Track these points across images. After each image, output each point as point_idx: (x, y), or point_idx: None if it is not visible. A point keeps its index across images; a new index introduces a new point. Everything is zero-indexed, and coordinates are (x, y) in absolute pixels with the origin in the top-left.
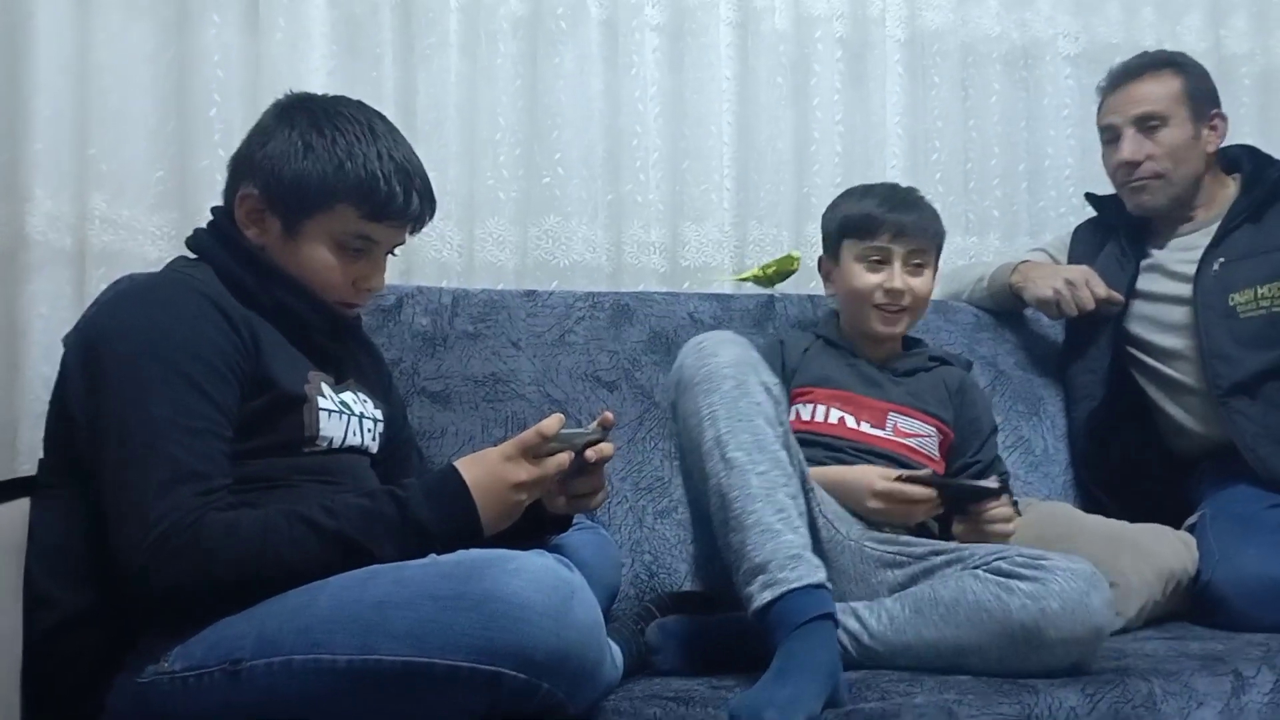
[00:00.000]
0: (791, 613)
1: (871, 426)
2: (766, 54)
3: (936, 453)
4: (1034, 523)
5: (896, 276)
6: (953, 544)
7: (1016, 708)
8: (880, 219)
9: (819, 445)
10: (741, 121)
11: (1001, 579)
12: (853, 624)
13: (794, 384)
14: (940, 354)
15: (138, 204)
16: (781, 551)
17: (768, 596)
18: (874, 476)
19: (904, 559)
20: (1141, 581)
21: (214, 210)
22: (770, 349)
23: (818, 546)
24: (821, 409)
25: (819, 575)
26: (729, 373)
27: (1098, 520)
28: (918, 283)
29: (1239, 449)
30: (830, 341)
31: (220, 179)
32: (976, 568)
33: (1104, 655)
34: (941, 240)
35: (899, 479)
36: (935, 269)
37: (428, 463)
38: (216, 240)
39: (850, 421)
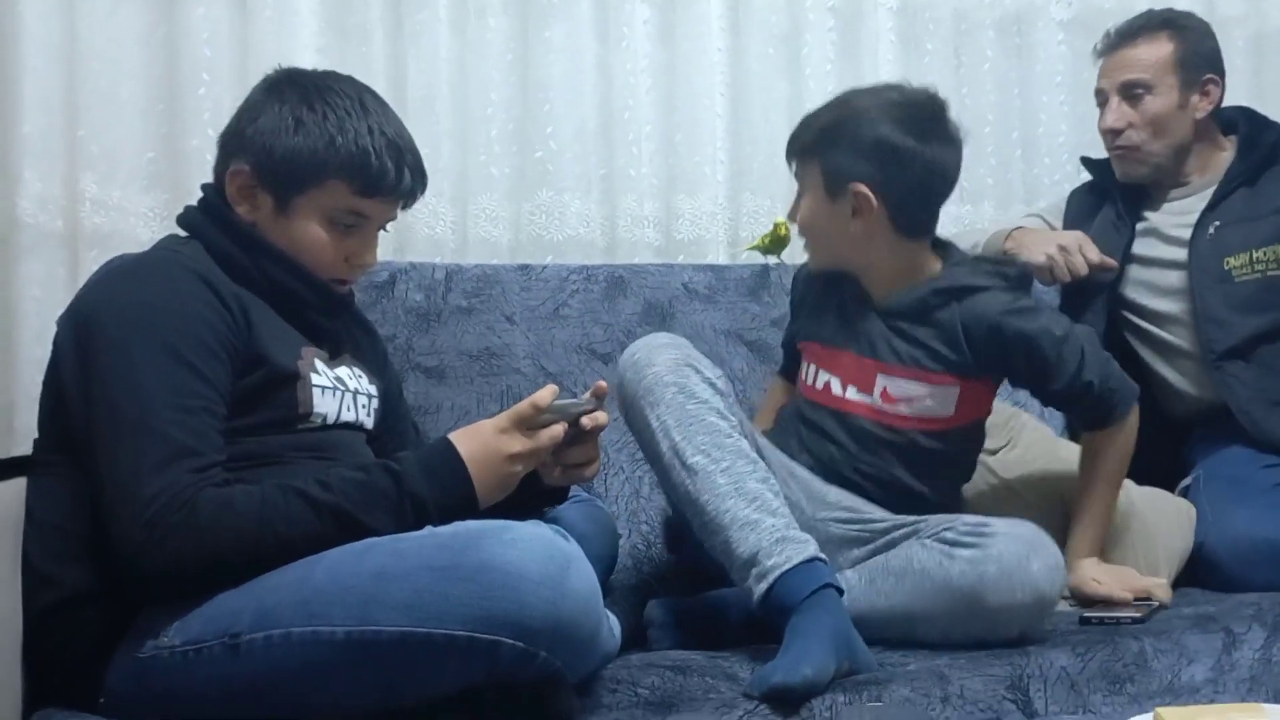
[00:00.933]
0: (790, 594)
1: (858, 391)
2: (758, 25)
3: (948, 414)
4: None
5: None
6: (911, 518)
7: (1008, 669)
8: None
9: (818, 414)
10: (734, 93)
11: (946, 547)
12: None
13: (799, 335)
14: (962, 281)
15: (129, 185)
16: (765, 539)
17: (764, 587)
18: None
19: (867, 535)
20: (1151, 572)
21: (204, 188)
22: (791, 292)
23: None
24: (812, 370)
25: (809, 550)
26: (669, 379)
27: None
28: (800, 213)
29: (1232, 412)
30: (834, 277)
31: (210, 159)
32: (927, 538)
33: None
34: (808, 153)
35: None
36: (816, 192)
37: (424, 438)
38: (207, 217)
39: (835, 387)
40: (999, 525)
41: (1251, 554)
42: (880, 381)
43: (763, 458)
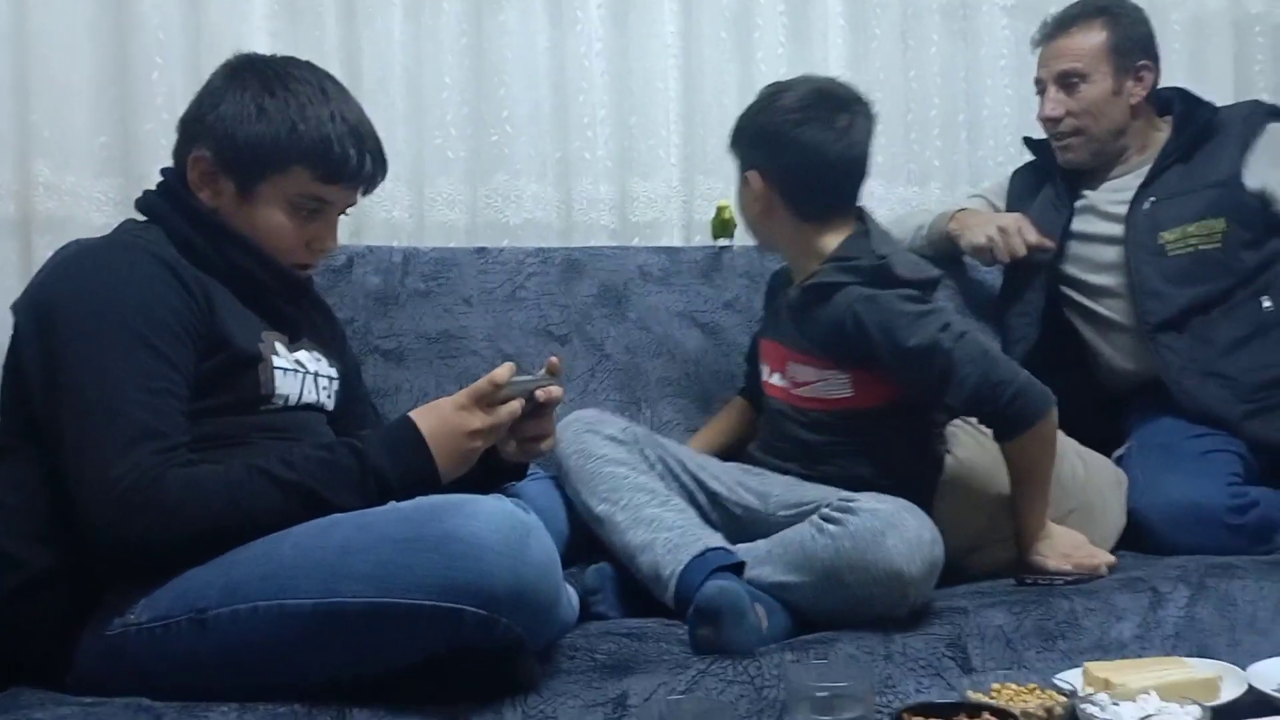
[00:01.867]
0: (689, 589)
1: (781, 377)
2: (709, 8)
3: (852, 396)
4: None
5: None
6: (834, 496)
7: (949, 628)
8: None
9: (769, 403)
10: (686, 77)
11: (820, 521)
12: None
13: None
14: (829, 279)
15: (82, 170)
16: (661, 553)
17: (670, 594)
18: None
19: (803, 517)
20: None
21: (164, 172)
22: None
23: (735, 524)
24: (761, 364)
25: (699, 545)
26: (570, 450)
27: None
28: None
29: (1165, 383)
30: (781, 279)
31: (165, 143)
32: (813, 513)
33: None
34: (730, 143)
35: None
36: (748, 181)
37: (383, 419)
38: (167, 202)
39: (766, 374)
40: (865, 501)
41: (1180, 518)
42: (789, 366)
43: (688, 472)
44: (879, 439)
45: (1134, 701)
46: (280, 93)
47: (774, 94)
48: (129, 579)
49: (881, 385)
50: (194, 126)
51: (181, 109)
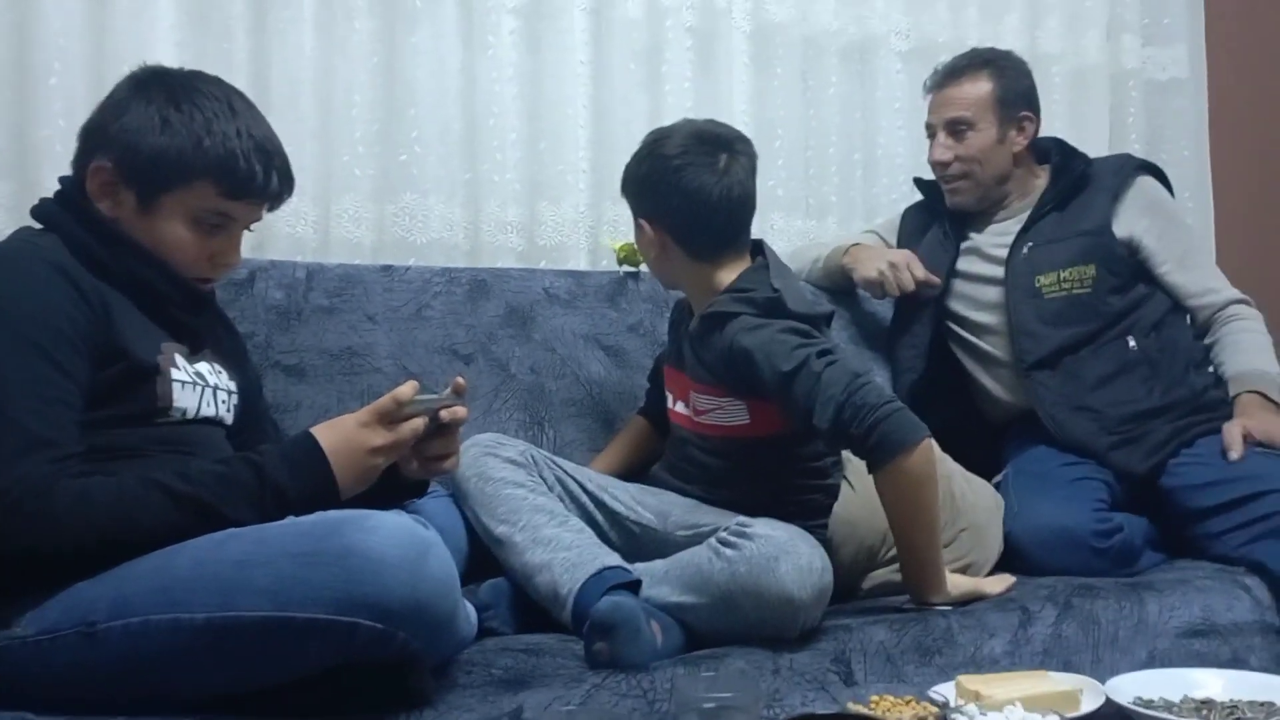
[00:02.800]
0: (586, 606)
1: (684, 406)
2: (620, 40)
3: (749, 423)
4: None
5: None
6: (729, 520)
7: (834, 644)
8: None
9: (674, 429)
10: (597, 104)
11: (717, 545)
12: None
13: (660, 361)
14: (722, 309)
15: None
16: (559, 572)
17: (568, 613)
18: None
19: (699, 540)
20: (976, 570)
21: (62, 180)
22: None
23: (633, 543)
24: (667, 391)
25: (596, 564)
26: (470, 474)
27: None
28: None
29: (1039, 416)
30: (683, 310)
31: (61, 149)
32: (711, 536)
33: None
34: (626, 197)
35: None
36: (642, 227)
37: (283, 435)
38: (65, 210)
39: (670, 401)
40: (759, 527)
41: (1050, 541)
42: (691, 395)
43: (587, 493)
44: (776, 466)
45: (1000, 712)
46: (186, 106)
47: (654, 142)
48: (16, 589)
49: (777, 415)
50: (96, 136)
51: (80, 116)
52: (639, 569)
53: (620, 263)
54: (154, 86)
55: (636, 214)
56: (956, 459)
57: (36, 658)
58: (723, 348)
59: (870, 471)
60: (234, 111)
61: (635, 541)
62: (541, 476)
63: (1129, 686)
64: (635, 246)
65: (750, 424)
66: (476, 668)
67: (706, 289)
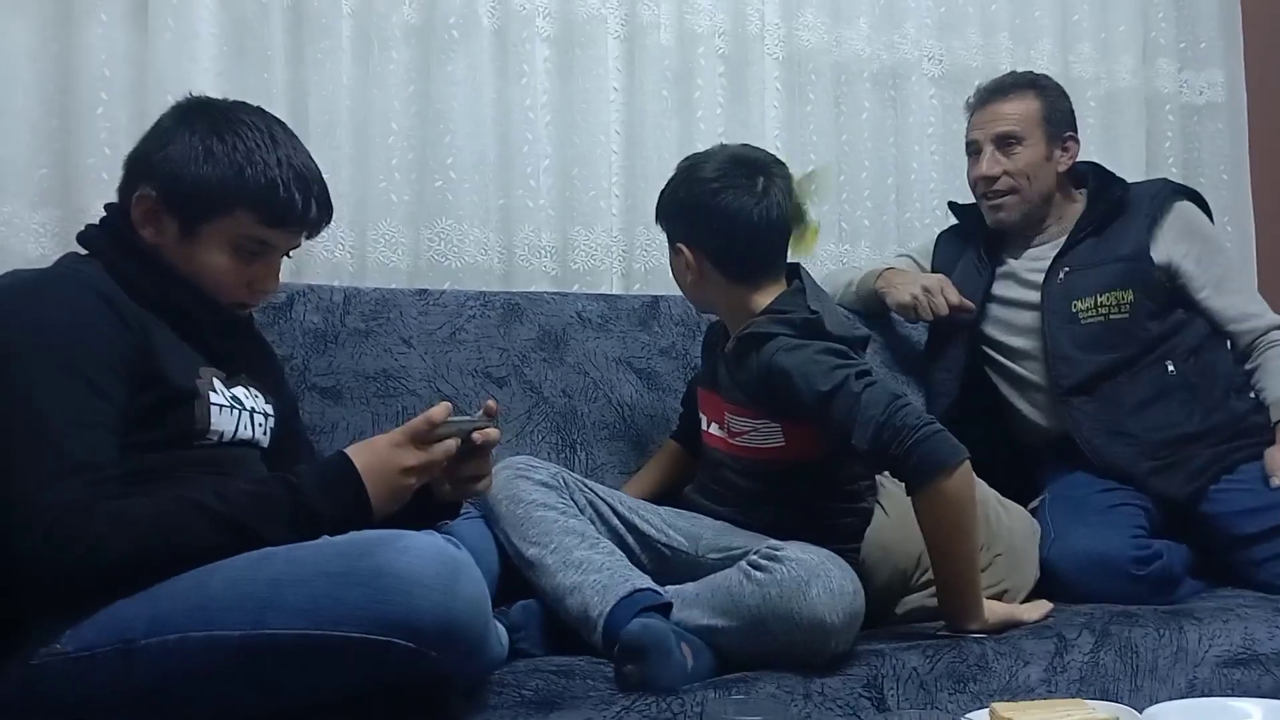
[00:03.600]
0: (616, 633)
1: (719, 428)
2: (652, 67)
3: (783, 445)
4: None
5: None
6: (759, 543)
7: (866, 669)
8: None
9: (708, 451)
10: (629, 131)
11: (748, 569)
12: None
13: (696, 383)
14: (760, 329)
15: (18, 200)
16: (590, 594)
17: (598, 636)
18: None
19: (730, 563)
20: (1013, 596)
21: (108, 208)
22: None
23: (665, 565)
24: (701, 414)
25: (628, 586)
26: (502, 496)
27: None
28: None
29: (1076, 441)
30: (718, 332)
31: (106, 178)
32: (742, 559)
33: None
34: (662, 221)
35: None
36: (679, 251)
37: (319, 457)
38: (109, 238)
39: (705, 424)
40: (790, 550)
41: (1088, 567)
42: (727, 417)
43: (618, 515)
44: (810, 489)
45: None
46: (229, 136)
47: (691, 166)
48: (55, 609)
49: (812, 437)
50: (140, 165)
51: (124, 144)
52: (670, 592)
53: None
54: (198, 117)
55: (673, 239)
56: (992, 484)
57: (76, 674)
58: (760, 368)
59: (909, 493)
60: (275, 141)
61: (666, 564)
62: (573, 499)
63: (1168, 715)
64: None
65: (785, 446)
66: (507, 689)
67: (743, 312)
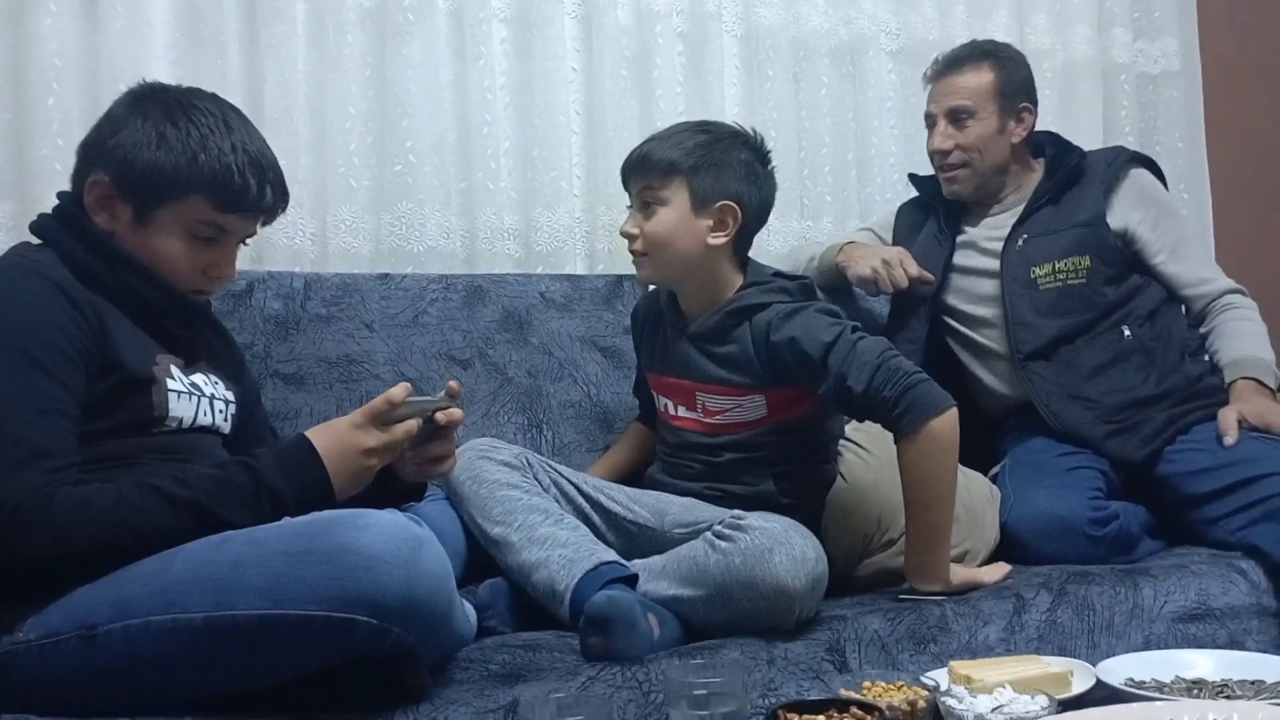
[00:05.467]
0: (583, 603)
1: (686, 410)
2: (610, 46)
3: (761, 416)
4: None
5: (629, 220)
6: (723, 515)
7: (828, 634)
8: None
9: (670, 433)
10: (589, 111)
11: (712, 538)
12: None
13: (643, 367)
14: (752, 300)
15: None
16: (555, 569)
17: (565, 609)
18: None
19: (697, 536)
20: (973, 558)
21: (60, 195)
22: (631, 329)
23: (631, 542)
24: (659, 397)
25: (593, 560)
26: (465, 477)
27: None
28: (649, 225)
29: (1036, 406)
30: (658, 311)
31: (60, 168)
32: (708, 530)
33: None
34: (669, 169)
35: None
36: (680, 205)
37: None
38: (62, 225)
39: (671, 408)
40: (754, 520)
41: (1046, 529)
42: (699, 398)
43: (583, 494)
44: (785, 453)
45: (990, 694)
46: (183, 122)
47: (731, 130)
48: (17, 596)
49: (792, 401)
50: (93, 151)
51: (78, 135)
52: (636, 565)
53: None
54: (151, 103)
55: (723, 195)
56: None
57: (39, 662)
58: (758, 337)
59: (897, 438)
60: (229, 127)
61: (632, 541)
62: (537, 479)
63: (1121, 668)
64: None
65: (767, 415)
66: (474, 664)
67: (724, 286)
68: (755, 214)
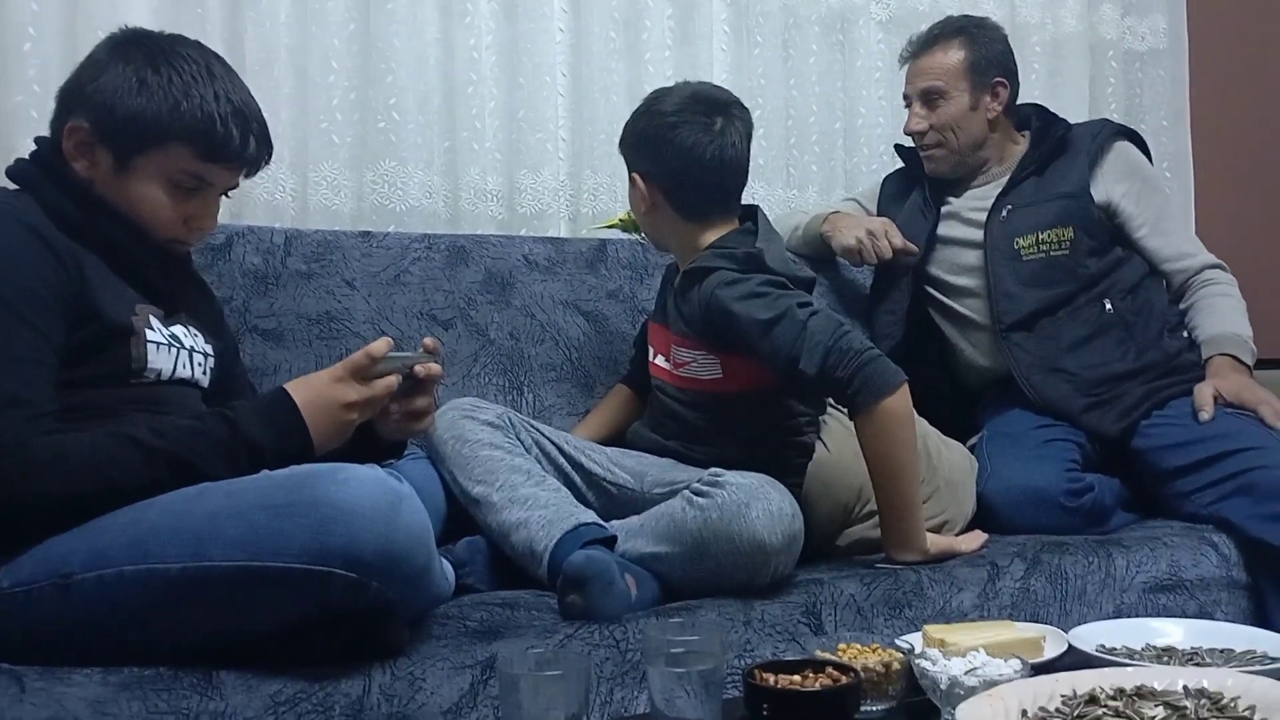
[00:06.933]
0: (560, 565)
1: (664, 360)
2: (599, 8)
3: (721, 377)
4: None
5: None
6: (695, 474)
7: (804, 596)
8: None
9: (656, 385)
10: (575, 73)
11: (690, 495)
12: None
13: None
14: (702, 264)
15: None
16: (535, 530)
17: (544, 570)
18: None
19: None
20: (951, 528)
21: (39, 140)
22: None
23: (611, 502)
24: (650, 346)
25: (572, 521)
26: (447, 436)
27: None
28: (632, 189)
29: (1015, 378)
30: (674, 268)
31: (36, 115)
32: (685, 488)
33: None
34: (623, 150)
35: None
36: (635, 182)
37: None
38: (40, 170)
39: (652, 354)
40: (731, 476)
41: (1022, 500)
42: (673, 349)
43: (564, 454)
44: (750, 421)
45: (963, 657)
46: (164, 69)
47: (654, 100)
48: None
49: (748, 371)
50: (73, 96)
51: (55, 83)
52: (615, 526)
53: (626, 228)
54: (132, 48)
55: (631, 169)
56: (933, 424)
57: (12, 611)
58: (701, 301)
59: (853, 415)
60: (212, 75)
61: (612, 502)
62: (519, 439)
63: (1092, 635)
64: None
65: (723, 379)
66: (451, 620)
67: (692, 248)
68: (672, 180)
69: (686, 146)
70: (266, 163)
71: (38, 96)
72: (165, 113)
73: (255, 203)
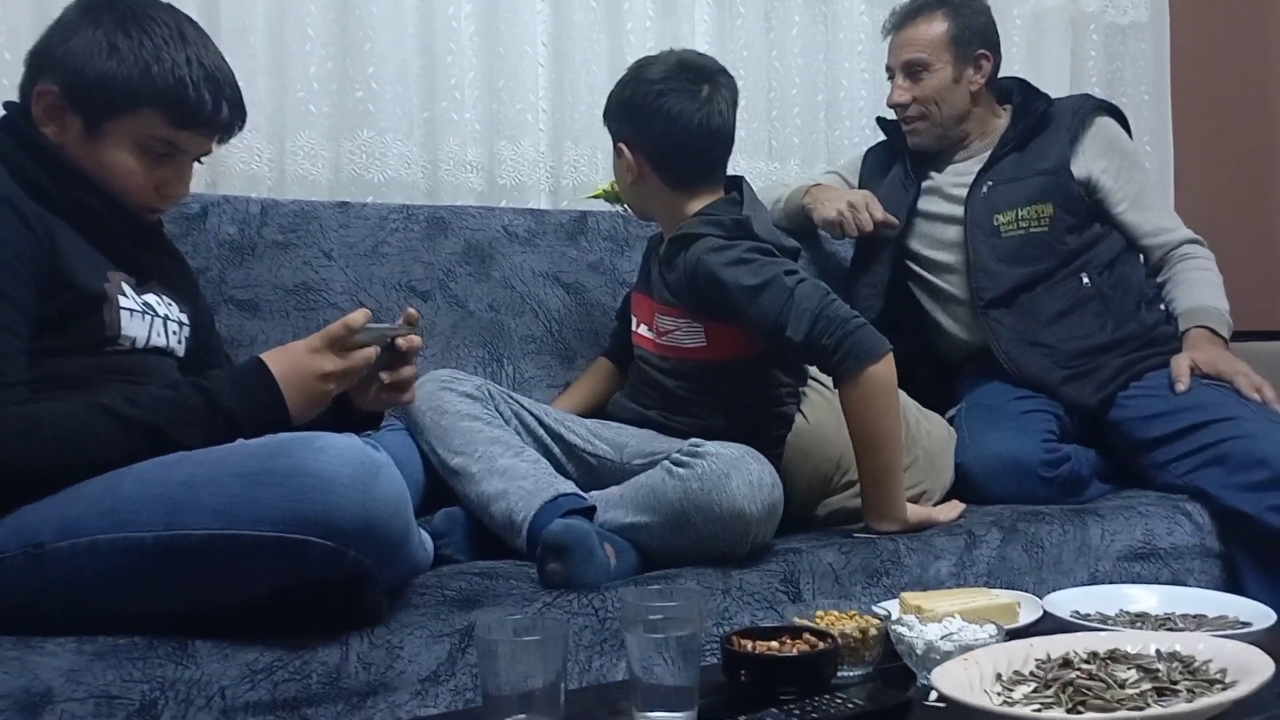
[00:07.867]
0: (539, 535)
1: (648, 329)
2: None
3: (705, 345)
4: None
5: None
6: (675, 444)
7: (783, 565)
8: None
9: (639, 354)
10: (556, 43)
11: (670, 465)
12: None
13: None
14: (689, 230)
15: None
16: (514, 501)
17: (522, 540)
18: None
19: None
20: (929, 498)
21: (7, 105)
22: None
23: (590, 474)
24: (634, 316)
25: (551, 491)
26: (425, 407)
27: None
28: (618, 160)
29: (995, 352)
30: (658, 238)
31: (5, 83)
32: (665, 458)
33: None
34: (608, 120)
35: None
36: (620, 151)
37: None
38: (9, 136)
39: (635, 325)
40: (711, 447)
41: (999, 470)
42: (656, 318)
43: (543, 426)
44: (732, 391)
45: (939, 623)
46: (135, 32)
47: (639, 68)
48: None
49: (731, 339)
50: (42, 59)
51: (23, 48)
52: (594, 496)
53: (610, 199)
54: (103, 11)
55: (616, 138)
56: (912, 396)
57: None
58: (687, 268)
59: (838, 384)
60: (185, 39)
61: (592, 473)
62: (498, 410)
63: (1067, 601)
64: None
65: (706, 347)
66: (430, 590)
67: (677, 217)
68: (658, 148)
69: (673, 114)
70: (240, 129)
71: (7, 64)
72: (136, 76)
73: (231, 172)
